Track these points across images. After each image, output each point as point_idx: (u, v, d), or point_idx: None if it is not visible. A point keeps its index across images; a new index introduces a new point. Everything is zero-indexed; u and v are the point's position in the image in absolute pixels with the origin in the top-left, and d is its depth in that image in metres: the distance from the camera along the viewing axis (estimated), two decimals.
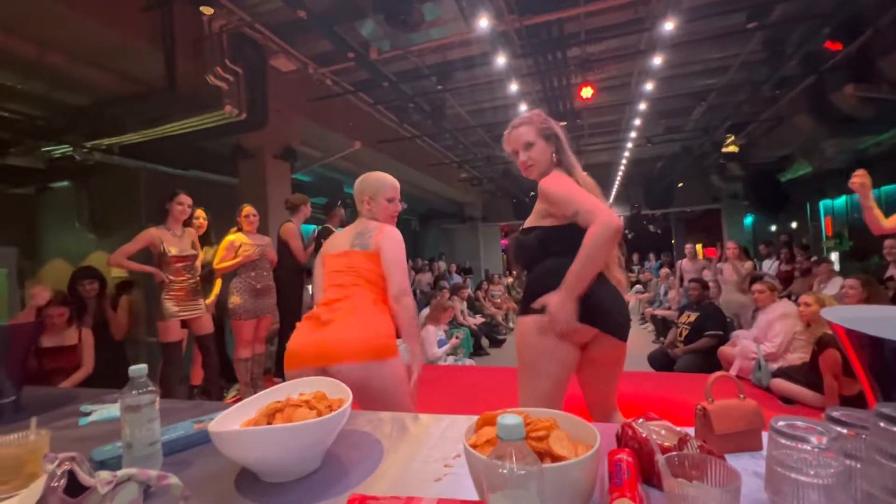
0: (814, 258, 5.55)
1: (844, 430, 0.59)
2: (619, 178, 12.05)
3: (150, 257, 2.87)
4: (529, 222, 1.36)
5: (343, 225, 3.62)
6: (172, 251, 2.82)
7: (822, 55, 5.10)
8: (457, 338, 4.81)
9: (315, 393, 0.86)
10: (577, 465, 0.57)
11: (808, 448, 0.56)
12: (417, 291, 8.47)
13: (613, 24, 4.95)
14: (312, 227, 4.20)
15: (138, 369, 0.79)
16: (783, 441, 0.57)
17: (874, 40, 4.53)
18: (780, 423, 0.59)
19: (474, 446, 0.64)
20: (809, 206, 10.28)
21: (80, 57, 3.51)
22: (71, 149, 4.31)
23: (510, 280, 10.50)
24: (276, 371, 3.85)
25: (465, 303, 6.51)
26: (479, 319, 6.49)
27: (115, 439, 0.85)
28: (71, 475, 0.58)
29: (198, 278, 2.98)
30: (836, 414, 0.61)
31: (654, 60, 4.90)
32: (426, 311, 5.11)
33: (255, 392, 1.23)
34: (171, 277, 2.82)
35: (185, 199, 2.93)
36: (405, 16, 4.07)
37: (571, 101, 6.69)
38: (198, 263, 3.01)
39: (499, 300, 8.00)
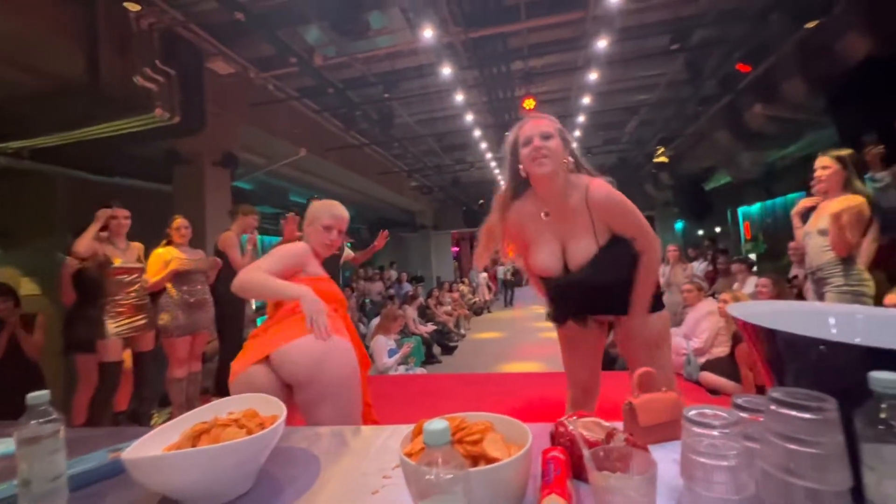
0: (734, 259, 6.07)
1: (746, 415, 0.65)
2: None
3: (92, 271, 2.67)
4: (601, 239, 1.30)
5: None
6: (116, 262, 2.64)
7: (736, 77, 5.65)
8: (407, 346, 4.77)
9: (246, 411, 0.82)
10: (507, 466, 0.58)
11: (716, 434, 0.61)
12: (368, 301, 8.32)
13: (553, 40, 5.21)
14: (265, 237, 4.00)
15: (37, 396, 0.71)
16: (694, 429, 0.62)
17: (777, 65, 5.08)
18: (692, 413, 0.64)
19: (409, 454, 0.63)
20: (730, 212, 11.28)
21: None
22: None
23: (462, 287, 10.60)
24: (215, 390, 3.62)
25: (416, 311, 6.49)
26: (430, 327, 6.49)
27: (11, 477, 0.76)
28: None
29: (143, 293, 2.84)
30: (739, 401, 0.67)
31: (591, 76, 5.20)
32: (376, 320, 5.03)
33: None
34: (115, 292, 2.67)
35: (121, 212, 2.80)
36: (351, 24, 4.05)
37: (516, 112, 6.93)
38: (146, 277, 2.86)
39: (450, 307, 8.05)
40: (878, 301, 2.23)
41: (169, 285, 3.03)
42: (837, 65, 4.33)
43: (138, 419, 2.85)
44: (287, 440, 0.97)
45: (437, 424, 0.46)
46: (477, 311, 10.11)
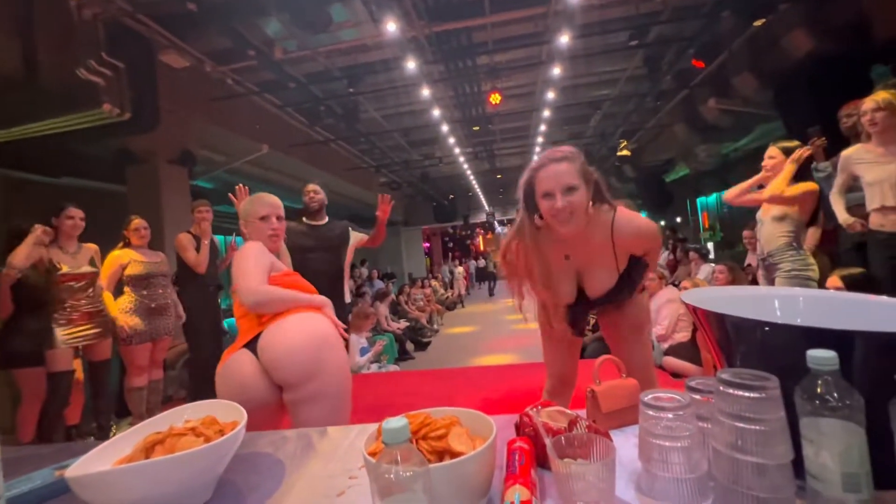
0: (690, 248, 6.34)
1: (699, 397, 0.67)
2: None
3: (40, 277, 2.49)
4: (621, 266, 1.27)
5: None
6: (63, 269, 2.48)
7: (691, 72, 5.87)
8: (380, 344, 4.74)
9: (204, 418, 0.79)
10: (470, 460, 0.58)
11: (670, 416, 0.63)
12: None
13: (517, 35, 5.25)
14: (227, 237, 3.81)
15: None
16: (650, 412, 0.64)
17: (729, 61, 5.32)
18: (648, 397, 0.66)
19: (374, 454, 0.62)
20: (689, 202, 11.76)
21: None
22: None
23: (434, 283, 10.61)
24: (188, 397, 3.50)
25: (388, 308, 6.44)
26: (402, 324, 6.46)
27: None
28: None
29: (98, 299, 2.69)
30: (693, 383, 0.70)
31: (555, 71, 5.27)
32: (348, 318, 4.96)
33: None
34: (64, 299, 2.51)
35: (76, 213, 2.64)
36: (312, 16, 3.94)
37: (483, 107, 6.96)
38: (100, 281, 2.72)
39: (422, 303, 8.04)
40: (821, 283, 2.38)
41: (127, 289, 2.88)
42: (784, 60, 4.57)
43: (95, 433, 2.71)
44: (251, 446, 0.94)
45: (394, 423, 0.46)
46: (450, 306, 10.15)
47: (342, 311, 2.60)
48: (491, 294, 12.54)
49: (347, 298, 2.81)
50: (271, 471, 0.83)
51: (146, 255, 2.97)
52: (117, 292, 2.92)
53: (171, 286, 3.17)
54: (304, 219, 2.79)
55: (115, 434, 2.75)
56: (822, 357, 0.51)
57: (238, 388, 1.28)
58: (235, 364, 1.31)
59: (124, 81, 3.57)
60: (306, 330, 1.33)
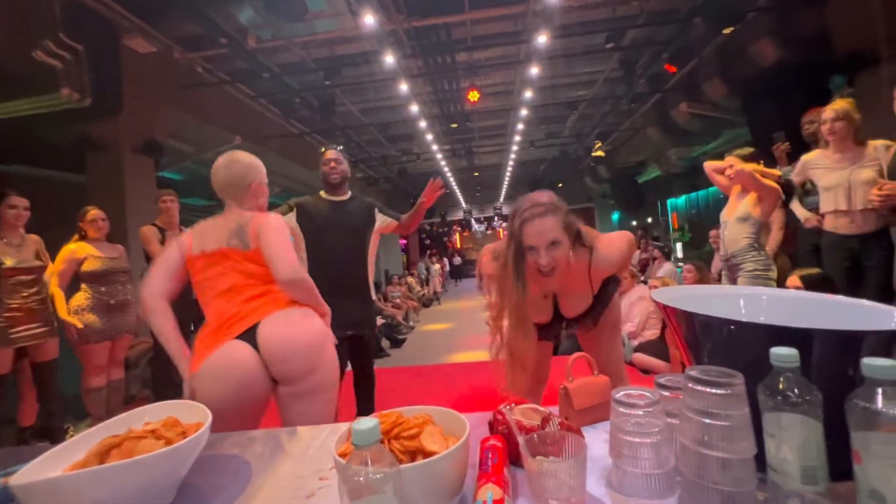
0: (654, 246, 6.53)
1: (668, 394, 0.69)
2: (507, 178, 12.86)
3: None
4: (595, 287, 1.34)
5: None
6: (7, 262, 2.32)
7: (664, 76, 6.03)
8: None
9: (165, 420, 0.75)
10: (443, 459, 0.58)
11: (640, 413, 0.64)
12: None
13: (497, 33, 5.26)
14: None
15: None
16: (620, 409, 0.65)
17: (700, 66, 5.49)
18: (619, 394, 0.67)
19: (344, 455, 0.61)
20: (660, 203, 12.11)
21: None
22: None
23: (410, 280, 10.56)
24: (155, 398, 3.36)
25: None
26: (378, 321, 6.41)
27: None
28: None
29: (45, 295, 2.53)
30: (662, 380, 0.71)
31: (533, 70, 5.31)
32: None
33: None
34: (6, 295, 2.34)
35: (20, 202, 2.46)
36: (286, 4, 3.84)
37: (462, 104, 6.96)
38: (46, 276, 2.55)
39: (399, 300, 8.00)
40: (780, 282, 2.49)
41: (84, 286, 2.73)
42: (751, 68, 4.75)
43: (49, 435, 2.57)
44: (216, 447, 0.91)
45: (364, 424, 0.45)
46: (426, 302, 10.13)
47: (367, 308, 2.21)
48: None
49: (373, 293, 2.29)
50: (238, 472, 0.80)
51: (104, 249, 2.81)
52: (72, 288, 2.76)
53: (132, 282, 3.03)
54: (322, 193, 2.28)
55: (72, 437, 2.61)
56: (784, 354, 0.53)
57: (237, 382, 1.17)
58: (234, 356, 1.18)
59: (84, 65, 3.39)
60: (311, 323, 1.28)
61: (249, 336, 1.21)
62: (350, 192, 2.30)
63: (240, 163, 1.42)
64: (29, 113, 3.45)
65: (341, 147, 2.31)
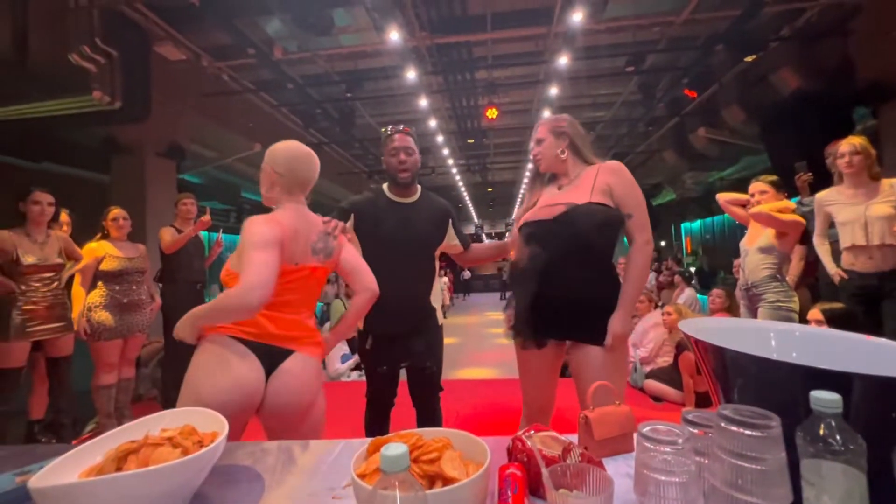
0: (675, 272, 6.44)
1: (696, 431, 0.66)
2: (520, 195, 12.85)
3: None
4: (595, 196, 1.29)
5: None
6: (29, 260, 2.36)
7: (683, 101, 6.03)
8: None
9: (182, 428, 0.75)
10: (465, 487, 0.56)
11: (668, 450, 0.62)
12: (321, 304, 8.09)
13: (517, 52, 5.33)
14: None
15: None
16: (648, 445, 0.63)
17: (720, 93, 5.48)
18: (646, 429, 0.65)
19: (363, 475, 0.60)
20: (674, 227, 12.01)
21: None
22: None
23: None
24: (162, 400, 3.38)
25: None
26: None
27: None
28: None
29: (63, 291, 2.56)
30: (690, 416, 0.69)
31: (552, 90, 5.35)
32: (328, 324, 4.89)
33: (121, 425, 0.85)
34: (26, 290, 2.37)
35: (44, 198, 2.48)
36: (314, 18, 3.94)
37: (479, 120, 7.02)
38: (65, 273, 2.59)
39: None
40: (801, 314, 2.43)
41: (101, 283, 2.78)
42: (771, 96, 4.73)
43: (56, 431, 2.58)
44: (229, 457, 0.90)
45: (394, 450, 0.44)
46: None
47: (434, 336, 1.72)
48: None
49: (440, 318, 1.76)
50: (250, 485, 0.79)
51: (124, 248, 2.86)
52: (94, 286, 2.81)
53: (152, 282, 3.07)
54: (385, 188, 1.72)
55: (93, 430, 2.54)
56: (826, 399, 0.51)
57: (234, 382, 1.06)
58: (243, 379, 1.06)
59: (117, 70, 3.50)
60: (318, 381, 1.16)
61: (269, 359, 1.09)
62: (420, 190, 1.74)
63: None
64: (59, 113, 3.56)
65: (412, 129, 1.70)
